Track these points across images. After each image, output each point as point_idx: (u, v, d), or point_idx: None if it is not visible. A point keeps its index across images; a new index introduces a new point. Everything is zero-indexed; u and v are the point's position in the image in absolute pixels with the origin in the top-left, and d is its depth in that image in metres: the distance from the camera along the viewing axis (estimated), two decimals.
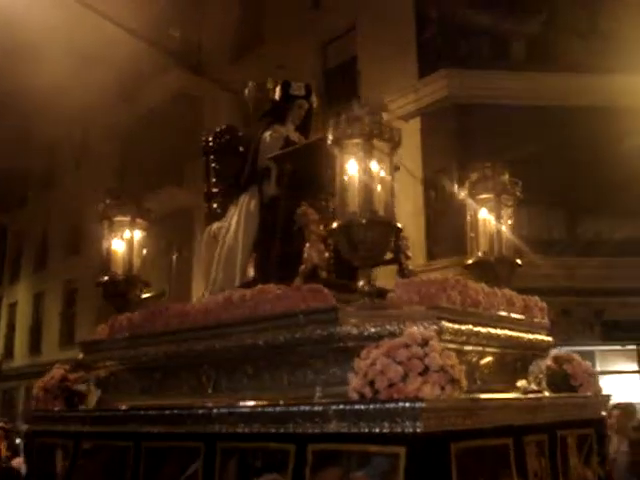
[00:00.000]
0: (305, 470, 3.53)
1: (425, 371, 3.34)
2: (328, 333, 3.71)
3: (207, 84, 17.29)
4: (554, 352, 4.86)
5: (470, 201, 5.16)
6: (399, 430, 3.23)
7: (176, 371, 4.58)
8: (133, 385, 4.88)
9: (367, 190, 3.96)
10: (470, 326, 3.96)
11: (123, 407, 4.63)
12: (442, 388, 3.33)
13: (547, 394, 4.53)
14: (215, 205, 5.50)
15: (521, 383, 4.59)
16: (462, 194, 5.21)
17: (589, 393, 4.69)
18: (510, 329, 4.32)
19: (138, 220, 5.34)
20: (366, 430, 3.35)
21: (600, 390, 4.82)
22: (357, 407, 3.36)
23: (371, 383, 3.37)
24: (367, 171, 3.97)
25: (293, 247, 4.90)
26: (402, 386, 3.30)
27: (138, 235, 5.40)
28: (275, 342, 3.92)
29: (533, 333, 4.56)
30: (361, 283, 3.99)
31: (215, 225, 5.38)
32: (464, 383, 3.47)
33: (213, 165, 5.60)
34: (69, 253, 25.21)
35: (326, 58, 16.59)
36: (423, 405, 3.16)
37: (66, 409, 5.02)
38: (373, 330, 3.68)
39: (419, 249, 12.51)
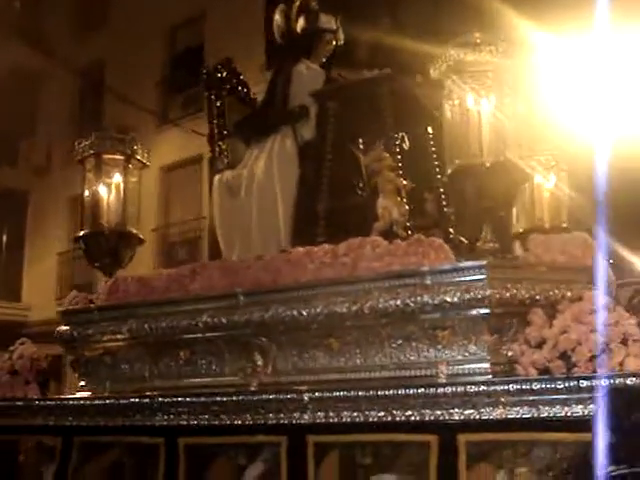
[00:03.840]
0: (458, 466, 2.83)
1: (624, 341, 2.78)
2: (473, 297, 3.03)
3: (47, 61, 15.91)
4: None
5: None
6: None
7: (213, 347, 3.68)
8: (141, 367, 3.90)
9: (496, 129, 3.34)
10: None
11: (148, 393, 3.64)
12: None
13: None
14: (224, 147, 4.58)
15: None
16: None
17: None
18: None
19: (134, 161, 4.32)
20: (549, 414, 2.73)
21: None
22: (544, 386, 2.72)
23: (563, 355, 2.75)
24: (498, 105, 3.35)
25: (342, 201, 4.17)
26: (604, 359, 2.71)
27: (126, 181, 4.37)
28: (388, 309, 3.17)
29: None
30: (483, 240, 3.36)
31: (228, 173, 4.49)
32: None
33: (218, 104, 4.69)
34: None
35: (174, 42, 15.88)
36: None
37: (54, 397, 3.93)
38: (527, 294, 3.06)
39: None
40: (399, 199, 3.85)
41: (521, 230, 4.68)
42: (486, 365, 3.08)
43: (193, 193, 14.02)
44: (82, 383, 4.10)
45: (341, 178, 4.17)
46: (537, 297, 3.06)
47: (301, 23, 4.74)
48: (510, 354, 3.09)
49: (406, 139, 4.48)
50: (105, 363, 3.97)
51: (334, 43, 4.80)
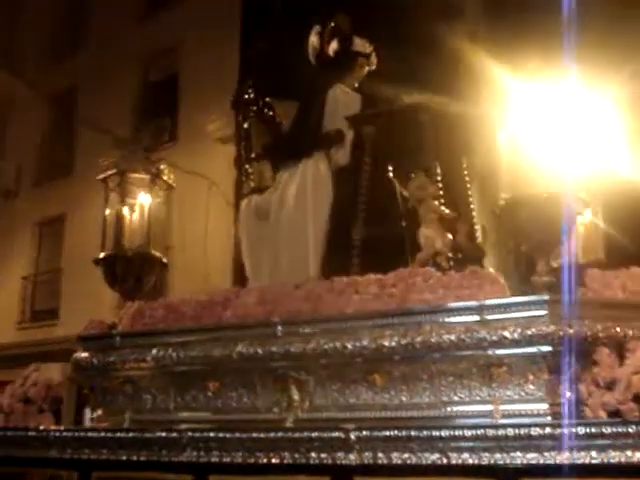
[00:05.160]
0: None
1: None
2: (534, 333, 2.91)
3: (18, 84, 15.89)
4: None
5: None
6: None
7: (245, 379, 3.53)
8: (165, 398, 3.73)
9: (555, 159, 3.26)
10: None
11: (174, 426, 3.46)
12: None
13: None
14: (250, 170, 4.47)
15: None
16: None
17: None
18: None
19: (159, 181, 4.19)
20: (620, 460, 2.60)
21: None
22: (616, 429, 2.60)
23: (636, 397, 2.64)
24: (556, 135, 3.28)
25: (379, 230, 4.06)
26: None
27: (153, 201, 4.24)
28: (442, 344, 3.05)
29: None
30: (539, 273, 3.27)
31: (256, 198, 4.37)
32: None
33: (245, 126, 4.59)
34: None
35: (148, 70, 15.97)
36: None
37: (70, 428, 3.74)
38: (589, 332, 2.95)
39: (225, 273, 12.28)
40: (442, 229, 3.75)
41: (555, 265, 4.58)
42: (545, 406, 2.97)
43: (162, 222, 14.12)
44: (98, 413, 3.93)
45: (377, 205, 4.07)
46: (600, 335, 2.96)
47: (334, 46, 4.67)
48: (568, 394, 2.98)
49: (439, 168, 4.41)
50: (125, 393, 3.80)
51: (366, 69, 4.73)
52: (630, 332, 3.00)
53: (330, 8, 4.83)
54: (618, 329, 3.00)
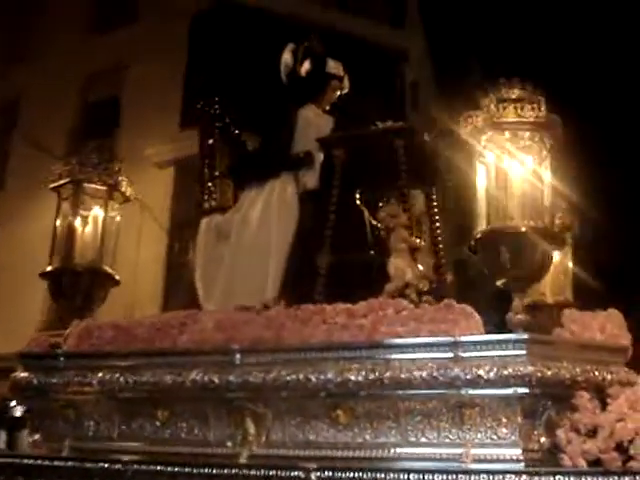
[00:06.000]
0: None
1: None
2: (511, 374, 2.75)
3: None
4: None
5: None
6: None
7: (197, 410, 3.29)
8: (109, 425, 3.46)
9: (534, 193, 3.15)
10: None
11: (117, 457, 3.19)
12: None
13: None
14: (213, 188, 4.26)
15: None
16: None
17: None
18: None
19: (117, 194, 3.94)
20: None
21: None
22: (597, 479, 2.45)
23: (619, 446, 2.49)
24: (535, 169, 3.16)
25: (345, 257, 3.88)
26: None
27: (106, 215, 3.98)
28: (412, 380, 2.86)
29: None
30: (514, 311, 3.12)
31: (218, 217, 4.15)
32: None
33: (210, 141, 4.39)
34: None
35: (90, 90, 15.74)
36: None
37: (4, 453, 3.43)
38: (567, 374, 2.80)
39: (154, 300, 11.91)
40: (413, 260, 3.59)
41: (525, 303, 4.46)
42: (518, 451, 2.80)
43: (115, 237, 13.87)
44: (35, 437, 3.63)
45: (345, 232, 3.89)
46: (578, 378, 2.82)
47: (307, 66, 4.51)
48: (543, 440, 2.82)
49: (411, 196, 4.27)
50: (67, 418, 3.52)
51: (338, 92, 4.57)
52: (609, 376, 2.89)
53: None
54: (597, 373, 2.88)
